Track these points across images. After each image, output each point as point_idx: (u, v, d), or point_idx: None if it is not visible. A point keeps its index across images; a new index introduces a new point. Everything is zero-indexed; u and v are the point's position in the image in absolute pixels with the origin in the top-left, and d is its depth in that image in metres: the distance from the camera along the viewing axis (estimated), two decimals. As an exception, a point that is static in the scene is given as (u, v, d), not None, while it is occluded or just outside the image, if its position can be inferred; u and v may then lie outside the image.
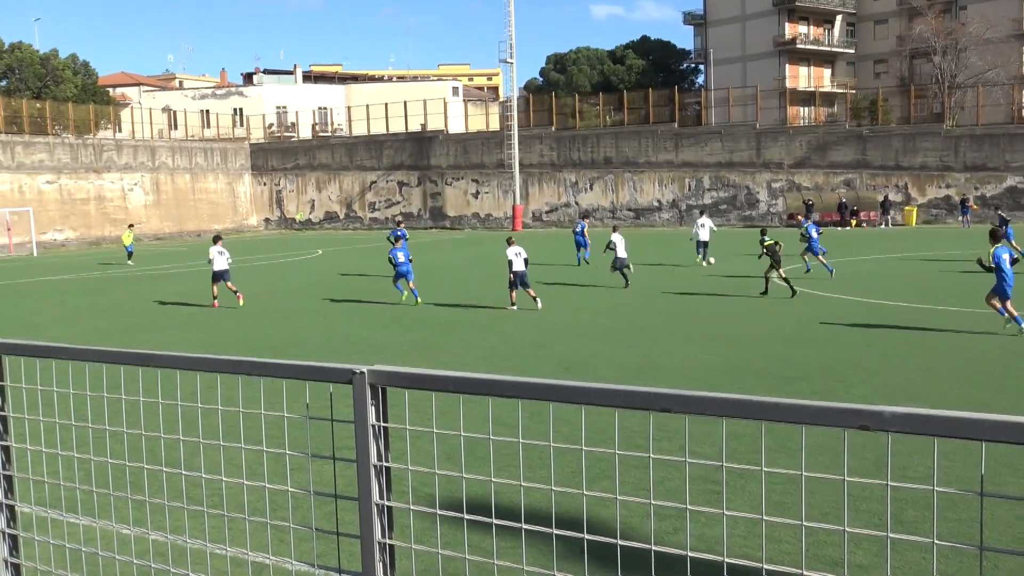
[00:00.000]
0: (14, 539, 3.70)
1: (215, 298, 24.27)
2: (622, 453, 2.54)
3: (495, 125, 70.63)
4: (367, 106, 71.55)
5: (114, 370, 3.45)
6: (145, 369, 3.28)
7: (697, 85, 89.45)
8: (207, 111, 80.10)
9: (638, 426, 10.14)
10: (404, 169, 68.09)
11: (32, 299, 27.87)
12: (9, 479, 3.70)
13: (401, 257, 23.66)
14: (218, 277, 23.93)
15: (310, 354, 16.46)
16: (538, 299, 21.95)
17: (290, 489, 3.13)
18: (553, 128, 64.13)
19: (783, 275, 22.80)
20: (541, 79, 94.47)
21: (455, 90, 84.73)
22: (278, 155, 73.24)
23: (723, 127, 59.72)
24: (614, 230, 26.87)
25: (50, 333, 20.22)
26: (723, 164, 58.90)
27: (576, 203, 62.58)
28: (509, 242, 22.11)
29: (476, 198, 65.93)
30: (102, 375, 3.45)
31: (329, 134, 77.57)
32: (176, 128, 76.97)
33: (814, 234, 26.86)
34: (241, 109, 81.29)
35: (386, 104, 69.89)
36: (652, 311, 20.98)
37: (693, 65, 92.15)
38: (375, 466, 2.76)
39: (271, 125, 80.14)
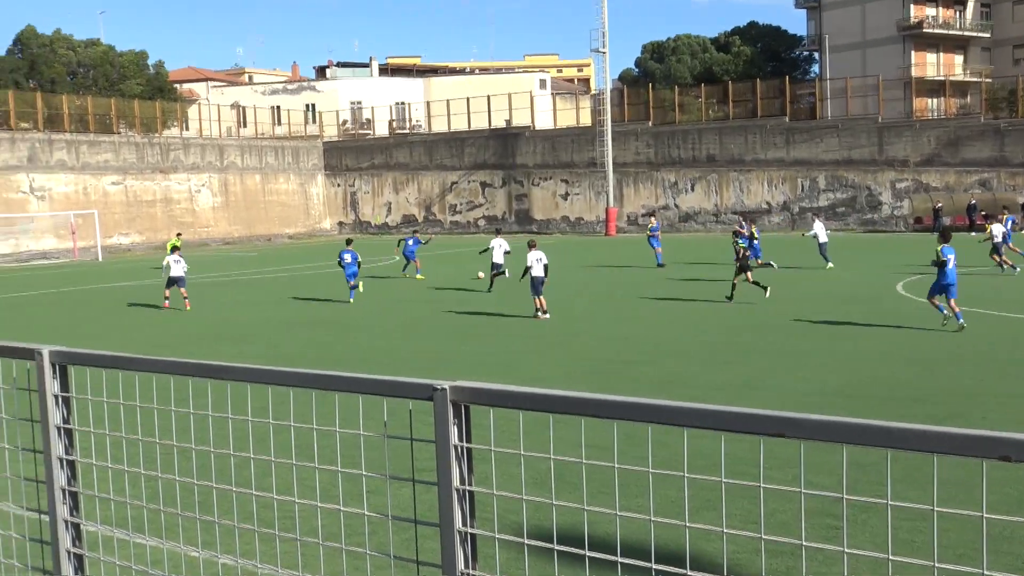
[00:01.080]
0: (80, 559, 3.83)
1: (166, 299, 27.60)
2: (729, 482, 2.51)
3: (586, 120, 70.57)
4: (447, 101, 72.25)
5: (182, 382, 3.54)
6: (215, 382, 3.36)
7: (811, 75, 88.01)
8: (278, 107, 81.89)
9: (746, 452, 9.99)
10: (487, 168, 68.49)
11: (98, 306, 28.83)
12: (75, 496, 3.83)
13: (348, 259, 27.64)
14: (172, 282, 27.50)
15: (384, 368, 16.65)
16: (547, 313, 22.67)
17: (366, 513, 3.18)
18: (650, 123, 63.79)
19: (751, 278, 24.60)
20: (637, 70, 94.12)
21: (543, 83, 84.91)
22: (353, 154, 74.40)
23: (840, 121, 58.59)
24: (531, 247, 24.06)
25: (115, 342, 20.87)
26: (841, 162, 57.78)
27: (676, 205, 62.09)
28: (530, 246, 23.33)
29: (565, 200, 65.94)
30: (169, 388, 3.55)
31: (407, 131, 78.53)
32: (245, 125, 78.86)
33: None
34: (313, 105, 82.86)
35: (468, 98, 70.45)
36: (750, 326, 20.67)
37: (806, 53, 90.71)
38: (458, 490, 2.77)
39: (345, 122, 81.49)
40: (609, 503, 8.43)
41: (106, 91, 69.40)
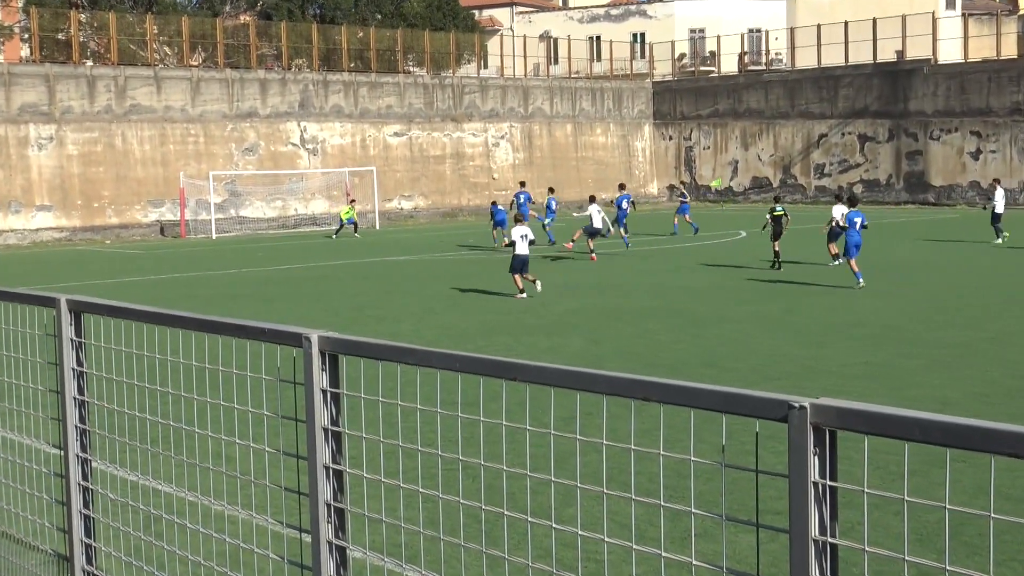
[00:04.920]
0: (344, 591, 4.09)
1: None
2: None
3: (1011, 51, 66.92)
4: (818, 26, 70.72)
5: (471, 382, 3.69)
6: (510, 384, 3.48)
7: None
8: (597, 38, 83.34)
9: None
10: (868, 117, 66.54)
11: (376, 286, 30.62)
12: (341, 514, 4.09)
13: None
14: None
15: (723, 377, 16.62)
16: (528, 289, 26.76)
17: (693, 562, 3.18)
18: (1103, 54, 59.57)
19: (776, 248, 31.64)
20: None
21: (950, 0, 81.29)
22: (690, 98, 74.48)
23: None
24: (591, 201, 36.61)
25: (397, 329, 22.09)
26: None
27: None
28: (517, 220, 28.21)
29: (976, 159, 62.92)
30: (456, 388, 3.71)
31: (763, 67, 77.66)
32: (556, 62, 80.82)
33: (624, 205, 40.71)
34: (642, 35, 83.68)
35: (846, 23, 68.63)
36: None
37: None
38: (816, 541, 2.72)
39: (682, 56, 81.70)
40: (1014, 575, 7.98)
41: (389, 19, 73.08)
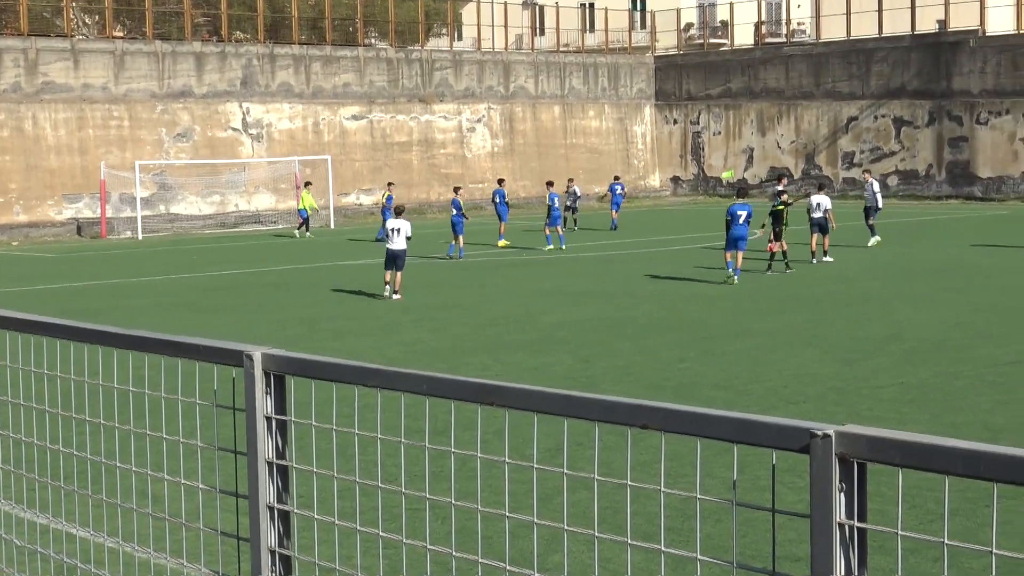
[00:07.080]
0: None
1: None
2: None
3: (1070, 21, 67.19)
4: (847, -8, 71.00)
5: (441, 407, 3.67)
6: (486, 409, 3.47)
7: None
8: (590, 6, 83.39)
9: None
10: (905, 97, 66.68)
11: (331, 295, 30.54)
12: (287, 563, 4.07)
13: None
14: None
15: (737, 401, 16.64)
16: (399, 292, 28.53)
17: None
18: None
19: (784, 246, 33.17)
20: None
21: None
22: (698, 75, 74.51)
23: None
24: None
25: (355, 346, 22.03)
26: None
27: None
28: (397, 213, 30.21)
29: (1031, 147, 63.25)
30: (423, 414, 3.69)
31: (782, 40, 77.81)
32: (543, 33, 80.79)
33: (555, 203, 42.41)
34: (643, 1, 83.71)
35: (879, -12, 68.88)
36: None
37: None
38: (845, 584, 2.73)
39: (689, 27, 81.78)
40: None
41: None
